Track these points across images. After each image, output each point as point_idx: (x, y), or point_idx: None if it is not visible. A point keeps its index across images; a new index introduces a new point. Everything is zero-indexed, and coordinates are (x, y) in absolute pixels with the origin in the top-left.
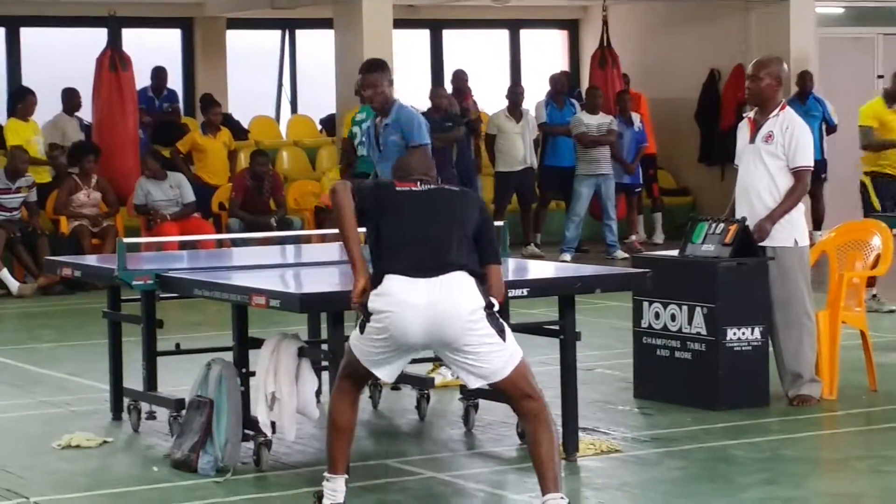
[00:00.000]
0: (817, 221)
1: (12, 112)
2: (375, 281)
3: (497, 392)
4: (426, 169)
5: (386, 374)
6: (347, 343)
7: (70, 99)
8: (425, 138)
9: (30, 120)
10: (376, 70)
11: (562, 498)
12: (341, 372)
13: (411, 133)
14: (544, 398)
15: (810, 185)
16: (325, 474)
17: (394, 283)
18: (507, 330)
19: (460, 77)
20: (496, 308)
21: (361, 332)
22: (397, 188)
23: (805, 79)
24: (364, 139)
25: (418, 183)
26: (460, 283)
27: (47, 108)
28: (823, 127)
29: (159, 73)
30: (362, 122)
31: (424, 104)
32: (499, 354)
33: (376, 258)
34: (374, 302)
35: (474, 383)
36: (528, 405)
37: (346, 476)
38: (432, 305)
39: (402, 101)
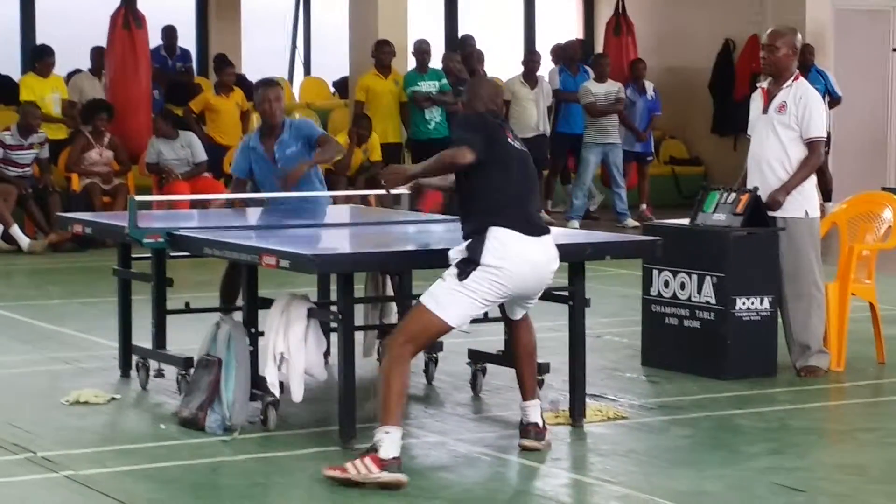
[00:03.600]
0: (826, 192)
1: (31, 68)
2: (479, 229)
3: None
4: (495, 97)
5: (463, 321)
6: (423, 307)
7: (97, 58)
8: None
9: (51, 76)
10: (277, 83)
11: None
12: (409, 338)
13: (312, 131)
14: None
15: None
16: (386, 428)
17: (511, 237)
18: None
19: (468, 43)
20: None
21: (461, 279)
22: (507, 139)
23: (805, 52)
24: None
25: (510, 133)
26: (553, 247)
27: (61, 65)
28: (826, 99)
29: (170, 33)
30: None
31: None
32: None
33: (480, 204)
34: (492, 252)
35: (514, 315)
36: (526, 317)
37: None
38: (541, 264)
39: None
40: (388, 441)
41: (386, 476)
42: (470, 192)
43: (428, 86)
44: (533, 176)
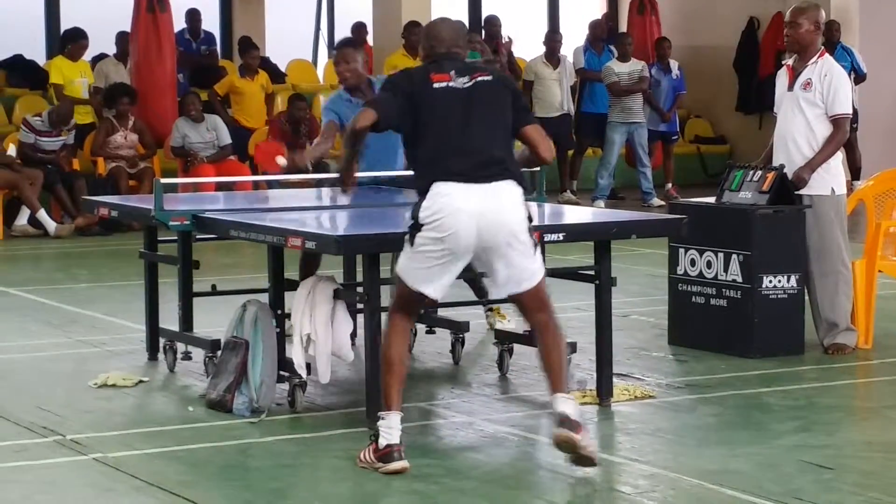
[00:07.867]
0: (855, 170)
1: (61, 51)
2: (423, 188)
3: (516, 302)
4: (455, 40)
5: (435, 289)
6: (395, 273)
7: (123, 44)
8: None
9: (80, 60)
10: (351, 45)
11: (567, 396)
12: (394, 306)
13: None
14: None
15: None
16: (380, 413)
17: (445, 189)
18: (538, 244)
19: (493, 23)
20: (534, 221)
21: (412, 244)
22: (434, 85)
23: (832, 29)
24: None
25: (452, 72)
26: (510, 192)
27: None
28: (852, 77)
29: (193, 15)
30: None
31: None
32: (530, 264)
33: (421, 163)
34: (426, 210)
35: (502, 292)
36: (543, 318)
37: (401, 414)
38: (484, 213)
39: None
40: (384, 428)
41: (386, 467)
42: (410, 153)
43: None
44: (481, 115)
